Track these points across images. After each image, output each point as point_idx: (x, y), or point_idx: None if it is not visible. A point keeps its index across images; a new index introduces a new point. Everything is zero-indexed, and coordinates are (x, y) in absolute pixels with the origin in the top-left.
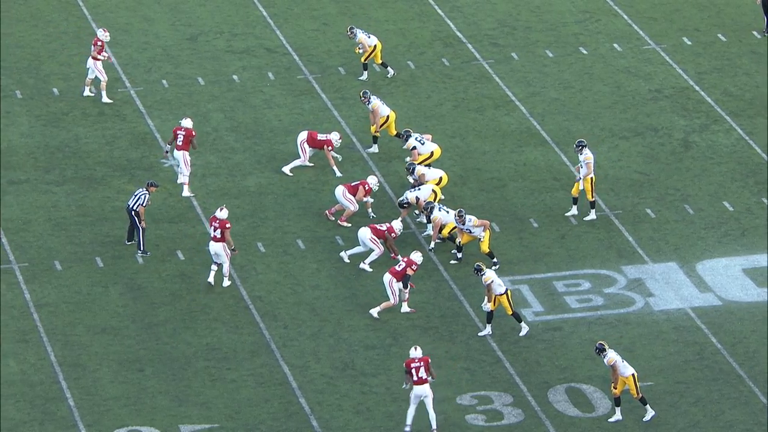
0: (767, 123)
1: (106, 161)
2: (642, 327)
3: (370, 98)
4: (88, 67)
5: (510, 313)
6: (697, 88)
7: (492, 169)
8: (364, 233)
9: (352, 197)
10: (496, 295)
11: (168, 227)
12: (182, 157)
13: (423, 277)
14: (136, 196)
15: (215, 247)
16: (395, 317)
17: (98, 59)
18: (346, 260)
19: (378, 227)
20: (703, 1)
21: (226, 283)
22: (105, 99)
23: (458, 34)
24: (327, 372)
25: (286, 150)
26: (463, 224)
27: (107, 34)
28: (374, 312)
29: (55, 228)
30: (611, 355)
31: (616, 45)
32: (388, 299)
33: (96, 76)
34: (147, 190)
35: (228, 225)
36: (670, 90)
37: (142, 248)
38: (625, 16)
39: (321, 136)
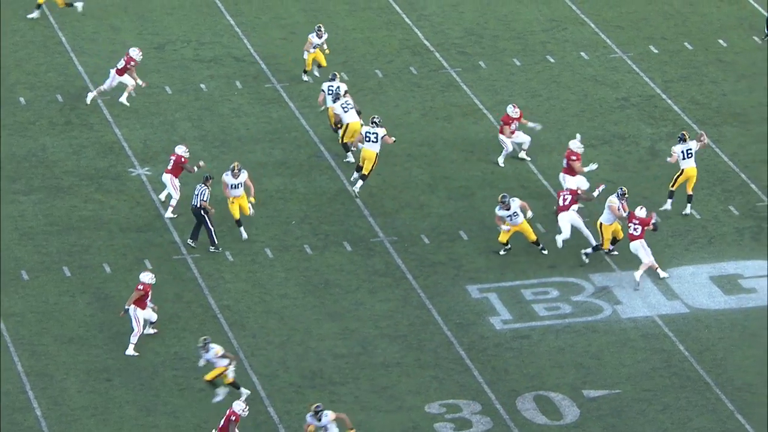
0: (733, 131)
1: (73, 170)
2: (610, 335)
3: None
4: (111, 79)
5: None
6: (663, 96)
7: (460, 177)
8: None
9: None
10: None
11: (135, 236)
12: (170, 181)
13: (391, 285)
14: (196, 194)
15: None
16: (364, 326)
17: (121, 74)
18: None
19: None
20: (669, 9)
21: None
22: (124, 100)
23: (426, 42)
24: (295, 381)
25: (255, 159)
26: (508, 209)
27: (140, 54)
28: None
29: (22, 237)
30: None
31: (583, 53)
32: None
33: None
34: (205, 184)
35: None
36: (637, 98)
37: (215, 243)
38: (592, 25)
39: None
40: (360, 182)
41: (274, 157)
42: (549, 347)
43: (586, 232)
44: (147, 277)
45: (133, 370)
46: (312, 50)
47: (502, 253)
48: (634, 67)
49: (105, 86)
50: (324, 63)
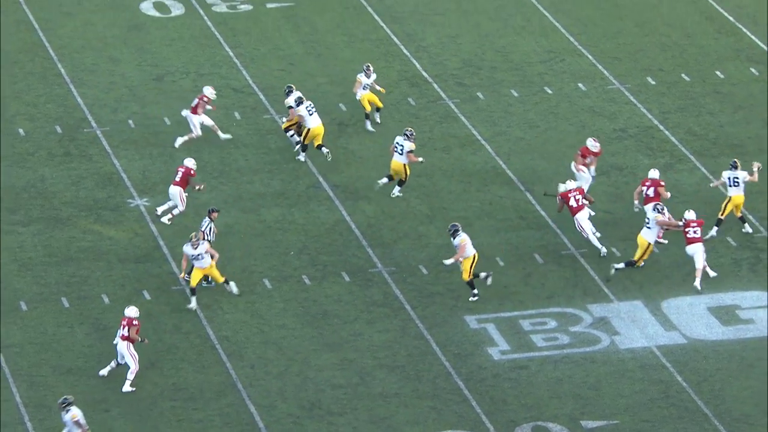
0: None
1: (72, 201)
2: (608, 365)
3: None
4: (184, 116)
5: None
6: (661, 127)
7: (458, 208)
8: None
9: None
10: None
11: (134, 267)
12: (178, 194)
13: (390, 316)
14: (203, 229)
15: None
16: (362, 356)
17: (197, 113)
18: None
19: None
20: (666, 41)
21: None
22: (223, 135)
23: (424, 73)
24: (294, 411)
25: (253, 189)
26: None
27: (214, 92)
28: None
29: (21, 268)
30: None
31: (580, 85)
32: None
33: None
34: (210, 217)
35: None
36: (634, 129)
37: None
38: (590, 56)
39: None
40: (397, 188)
41: (273, 187)
42: (547, 378)
43: (593, 238)
44: (134, 312)
45: (131, 401)
46: (363, 91)
47: (473, 296)
48: (632, 99)
49: (194, 133)
50: (380, 104)
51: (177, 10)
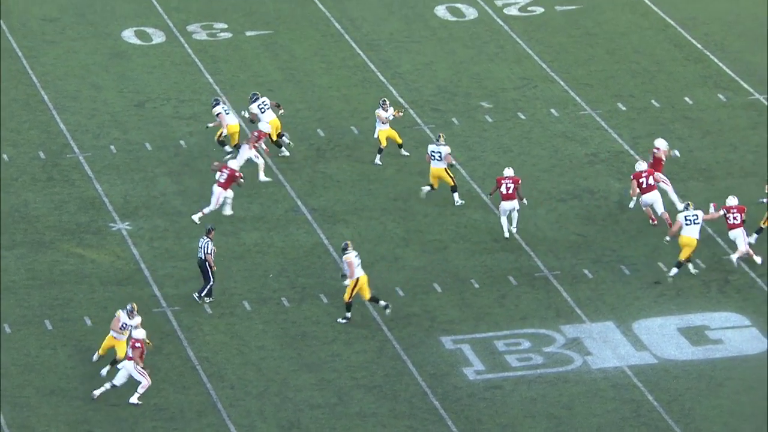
0: (699, 186)
1: (55, 225)
2: (581, 385)
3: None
4: (248, 156)
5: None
6: (632, 152)
7: (434, 231)
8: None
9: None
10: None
11: (116, 289)
12: (218, 195)
13: (367, 337)
14: (201, 247)
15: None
16: (341, 377)
17: (255, 147)
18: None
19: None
20: (636, 68)
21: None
22: (263, 178)
23: (400, 99)
24: (273, 431)
25: (233, 213)
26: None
27: (270, 127)
28: None
29: (5, 291)
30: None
31: (553, 110)
32: None
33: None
34: (208, 237)
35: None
36: (605, 154)
37: (204, 294)
38: (562, 83)
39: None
40: (456, 195)
41: (252, 211)
42: (521, 397)
43: (504, 222)
44: (142, 334)
45: (113, 422)
46: (383, 126)
47: (343, 319)
48: (603, 124)
49: (261, 165)
50: (399, 140)
51: (158, 38)
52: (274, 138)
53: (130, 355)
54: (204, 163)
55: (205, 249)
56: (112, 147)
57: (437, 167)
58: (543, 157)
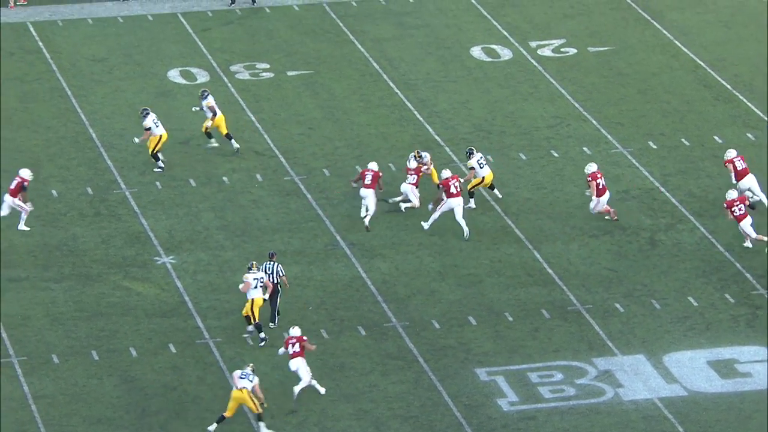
0: (728, 222)
1: (102, 259)
2: (612, 416)
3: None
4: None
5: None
6: (662, 189)
7: (469, 265)
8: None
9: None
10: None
11: (160, 321)
12: (370, 195)
13: (404, 368)
14: (270, 272)
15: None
16: (377, 407)
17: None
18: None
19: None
20: (667, 108)
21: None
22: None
23: (436, 137)
24: None
25: (274, 247)
26: None
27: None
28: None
29: (53, 323)
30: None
31: (585, 148)
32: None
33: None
34: (273, 260)
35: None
36: (636, 191)
37: (275, 322)
38: (594, 122)
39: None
40: (496, 193)
41: (293, 246)
42: (554, 428)
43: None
44: (298, 331)
45: None
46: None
47: (247, 332)
48: (634, 162)
49: (415, 203)
50: (436, 180)
51: (202, 77)
52: (224, 132)
53: (296, 351)
54: (246, 199)
55: (279, 272)
56: (158, 183)
57: (490, 172)
58: (576, 193)
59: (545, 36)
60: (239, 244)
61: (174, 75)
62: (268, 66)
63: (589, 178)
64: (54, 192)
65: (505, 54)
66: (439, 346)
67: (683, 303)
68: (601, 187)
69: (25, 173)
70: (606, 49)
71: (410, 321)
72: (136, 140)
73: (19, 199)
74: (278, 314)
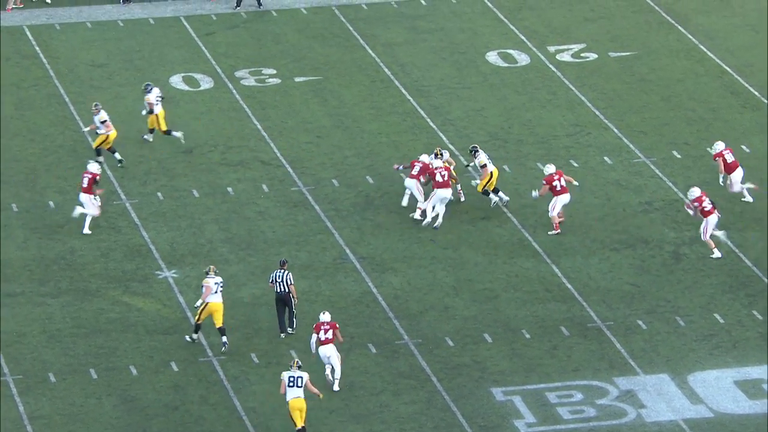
0: (756, 236)
1: (101, 273)
2: None
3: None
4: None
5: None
6: (687, 200)
7: (484, 280)
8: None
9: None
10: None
11: (162, 338)
12: (415, 185)
13: (416, 387)
14: (280, 281)
15: (327, 350)
16: (389, 428)
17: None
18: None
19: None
20: (692, 115)
21: (336, 388)
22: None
23: (450, 146)
24: None
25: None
26: None
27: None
28: None
29: (50, 340)
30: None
31: (606, 158)
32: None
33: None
34: (284, 268)
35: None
36: (660, 202)
37: (294, 326)
38: (615, 130)
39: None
40: (502, 196)
41: (300, 259)
42: None
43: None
44: (328, 316)
45: None
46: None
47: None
48: (657, 172)
49: (422, 204)
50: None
51: (206, 83)
52: (164, 128)
53: (329, 338)
54: (252, 211)
55: (288, 280)
56: (159, 194)
57: (494, 168)
58: (596, 205)
59: (564, 40)
60: (244, 258)
61: (176, 81)
62: (274, 72)
63: (545, 182)
64: (51, 203)
65: (523, 59)
66: (453, 364)
67: (709, 320)
68: (558, 188)
69: (94, 167)
70: (628, 54)
71: (423, 338)
72: (91, 130)
73: (96, 196)
74: (295, 318)
